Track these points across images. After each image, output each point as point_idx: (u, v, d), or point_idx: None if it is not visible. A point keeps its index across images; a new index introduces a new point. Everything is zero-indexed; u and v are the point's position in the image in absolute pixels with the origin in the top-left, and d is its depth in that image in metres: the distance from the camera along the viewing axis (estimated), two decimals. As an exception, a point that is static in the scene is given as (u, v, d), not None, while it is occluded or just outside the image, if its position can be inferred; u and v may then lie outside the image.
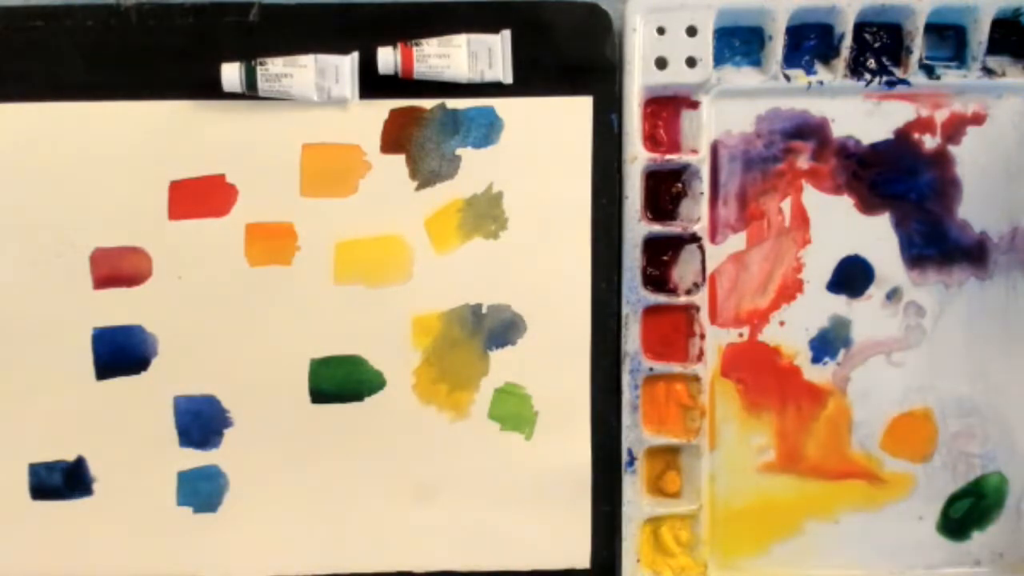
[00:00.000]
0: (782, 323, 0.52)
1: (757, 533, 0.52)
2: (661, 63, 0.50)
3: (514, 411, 0.51)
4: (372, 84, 0.49)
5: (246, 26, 0.49)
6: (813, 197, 0.51)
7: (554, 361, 0.51)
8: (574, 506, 0.51)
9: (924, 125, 0.51)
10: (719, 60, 0.50)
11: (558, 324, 0.51)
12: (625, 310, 0.51)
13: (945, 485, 0.53)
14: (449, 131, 0.50)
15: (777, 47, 0.50)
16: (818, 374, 0.52)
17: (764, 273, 0.52)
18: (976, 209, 0.52)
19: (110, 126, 0.49)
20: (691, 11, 0.49)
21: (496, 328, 0.51)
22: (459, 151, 0.50)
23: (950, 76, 0.51)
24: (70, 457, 0.50)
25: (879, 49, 0.51)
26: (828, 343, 0.52)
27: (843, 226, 0.51)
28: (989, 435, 0.52)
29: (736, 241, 0.52)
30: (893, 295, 0.52)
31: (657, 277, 0.51)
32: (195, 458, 0.50)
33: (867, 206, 0.52)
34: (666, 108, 0.51)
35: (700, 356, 0.51)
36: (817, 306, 0.52)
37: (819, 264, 0.52)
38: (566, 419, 0.51)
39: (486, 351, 0.51)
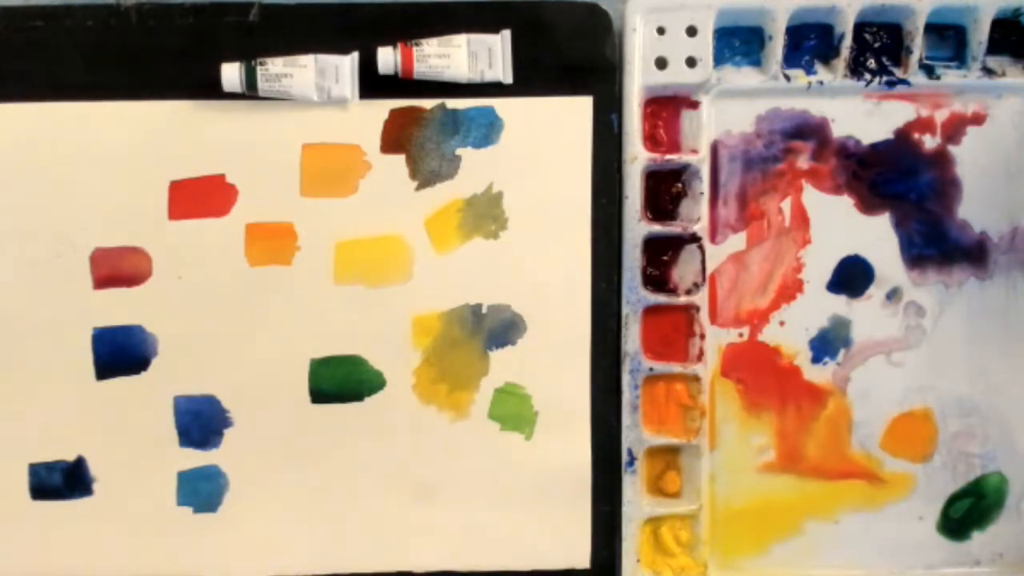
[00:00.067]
0: (782, 323, 0.52)
1: (757, 533, 0.52)
2: (661, 63, 0.50)
3: (514, 411, 0.51)
4: (372, 84, 0.49)
5: (246, 26, 0.49)
6: (813, 197, 0.51)
7: (554, 361, 0.51)
8: (574, 506, 0.51)
9: (924, 125, 0.51)
10: (719, 60, 0.50)
11: (558, 324, 0.51)
12: (625, 310, 0.51)
13: (945, 485, 0.53)
14: (449, 131, 0.50)
15: (777, 47, 0.50)
16: (818, 374, 0.52)
17: (764, 273, 0.52)
18: (976, 209, 0.52)
19: (110, 126, 0.49)
20: (691, 11, 0.49)
21: (496, 328, 0.51)
22: (459, 151, 0.50)
23: (950, 76, 0.51)
24: (70, 457, 0.50)
25: (879, 49, 0.51)
26: (828, 343, 0.52)
27: (843, 226, 0.51)
28: (989, 435, 0.52)
29: (736, 241, 0.52)
30: (893, 295, 0.52)
31: (657, 277, 0.51)
32: (195, 458, 0.50)
33: (867, 206, 0.52)
34: (666, 108, 0.51)
35: (700, 356, 0.51)
36: (817, 306, 0.52)
37: (819, 264, 0.52)
38: (566, 419, 0.51)
39: (486, 351, 0.51)
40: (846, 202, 0.51)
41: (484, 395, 0.51)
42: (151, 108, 0.49)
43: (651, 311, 0.51)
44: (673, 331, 0.52)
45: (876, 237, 0.52)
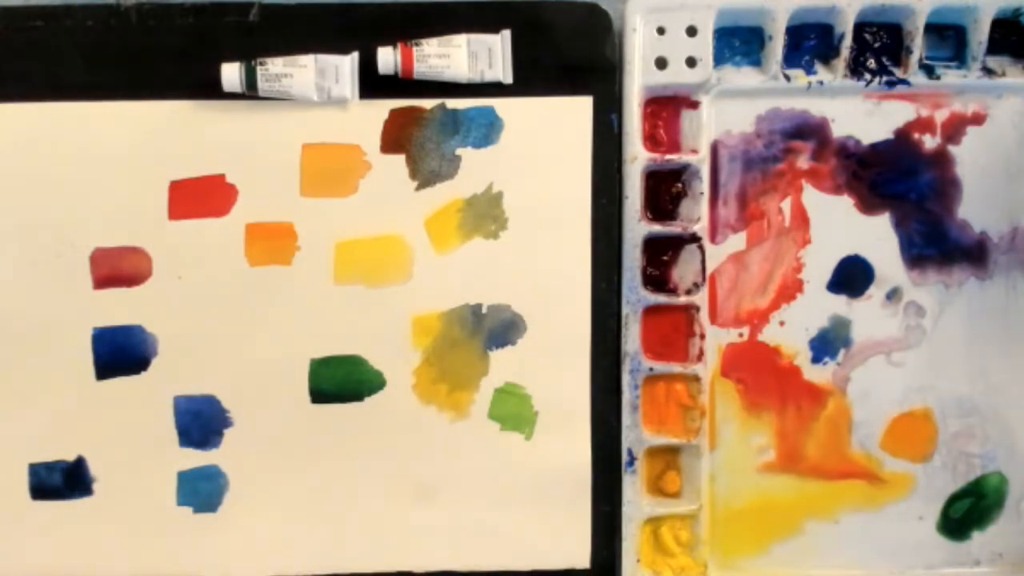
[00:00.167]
0: (782, 323, 0.52)
1: (757, 533, 0.52)
2: (661, 63, 0.50)
3: (514, 411, 0.51)
4: (372, 84, 0.49)
5: (246, 26, 0.49)
6: (813, 197, 0.51)
7: (554, 361, 0.51)
8: (574, 506, 0.51)
9: (924, 125, 0.51)
10: (719, 60, 0.50)
11: (558, 324, 0.51)
12: (625, 310, 0.51)
13: (945, 485, 0.53)
14: (449, 131, 0.50)
15: (777, 47, 0.50)
16: (818, 374, 0.52)
17: (764, 273, 0.52)
18: (976, 209, 0.52)
19: (110, 126, 0.49)
20: (691, 11, 0.49)
21: (496, 328, 0.51)
22: (459, 151, 0.50)
23: (950, 76, 0.51)
24: (70, 457, 0.50)
25: (879, 49, 0.51)
26: (828, 343, 0.52)
27: (843, 226, 0.51)
28: (989, 435, 0.52)
29: (736, 241, 0.52)
30: (893, 295, 0.52)
31: (657, 277, 0.51)
32: (195, 458, 0.50)
33: (867, 206, 0.52)
34: (666, 108, 0.51)
35: (700, 356, 0.51)
36: (817, 306, 0.52)
37: (819, 264, 0.52)
38: (566, 419, 0.51)
39: (486, 351, 0.51)
40: (846, 202, 0.51)
41: (484, 395, 0.51)
42: (151, 108, 0.49)
43: (651, 311, 0.51)
44: (673, 331, 0.52)
45: (876, 237, 0.52)
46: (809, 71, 0.51)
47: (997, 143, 0.51)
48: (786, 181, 0.51)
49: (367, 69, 0.49)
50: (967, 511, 0.53)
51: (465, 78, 0.49)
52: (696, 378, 0.51)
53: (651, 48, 0.49)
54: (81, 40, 0.49)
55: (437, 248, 0.50)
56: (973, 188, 0.52)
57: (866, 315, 0.52)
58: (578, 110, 0.50)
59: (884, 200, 0.52)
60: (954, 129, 0.51)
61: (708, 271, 0.51)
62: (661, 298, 0.51)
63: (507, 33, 0.49)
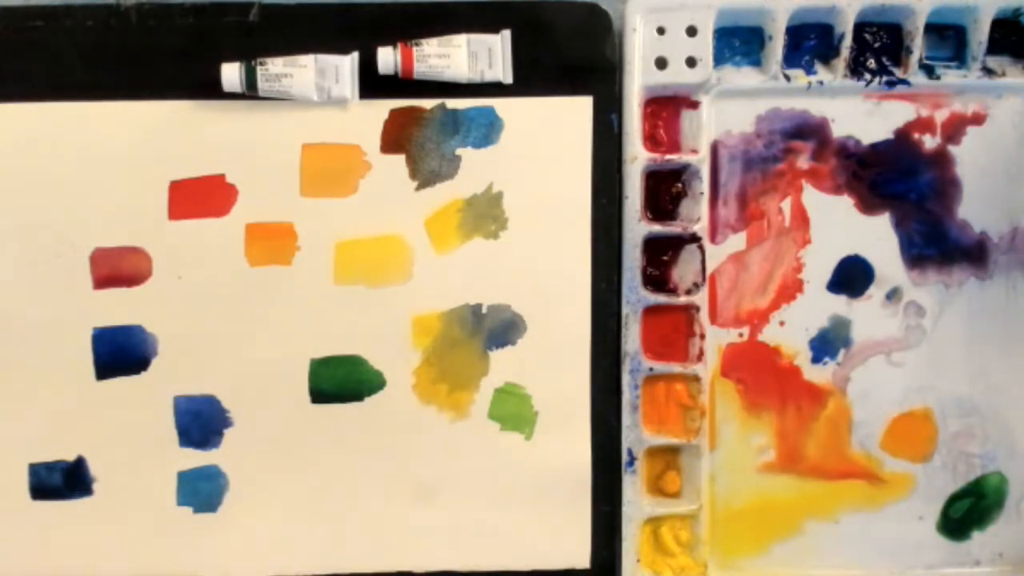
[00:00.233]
0: (782, 323, 0.52)
1: (757, 533, 0.52)
2: (661, 63, 0.50)
3: (514, 411, 0.51)
4: (372, 84, 0.49)
5: (246, 26, 0.49)
6: (813, 197, 0.51)
7: (554, 361, 0.51)
8: (574, 506, 0.51)
9: (924, 125, 0.51)
10: (719, 60, 0.50)
11: (558, 324, 0.51)
12: (625, 310, 0.51)
13: (945, 485, 0.53)
14: (449, 131, 0.50)
15: (777, 47, 0.50)
16: (818, 374, 0.52)
17: (764, 273, 0.52)
18: (976, 209, 0.52)
19: (110, 126, 0.49)
20: (691, 11, 0.49)
21: (496, 328, 0.51)
22: (459, 151, 0.50)
23: (950, 76, 0.51)
24: (70, 457, 0.50)
25: (879, 49, 0.51)
26: (828, 343, 0.52)
27: (843, 226, 0.51)
28: (989, 435, 0.52)
29: (736, 241, 0.52)
30: (893, 295, 0.52)
31: (657, 277, 0.51)
32: (195, 458, 0.50)
33: (867, 206, 0.52)
34: (666, 108, 0.51)
35: (700, 356, 0.51)
36: (817, 306, 0.52)
37: (819, 264, 0.52)
38: (566, 419, 0.51)
39: (486, 351, 0.51)
40: (846, 202, 0.51)
41: (484, 395, 0.51)
42: (151, 108, 0.49)
43: (651, 311, 0.51)
44: (673, 331, 0.52)
45: (876, 237, 0.52)
46: (809, 71, 0.51)
47: (997, 143, 0.51)
48: (786, 181, 0.51)
49: (367, 69, 0.49)
50: (967, 511, 0.53)
51: (465, 78, 0.49)
52: (696, 378, 0.51)
53: (651, 48, 0.49)
54: (81, 40, 0.49)
55: (437, 248, 0.50)
56: (973, 188, 0.52)
57: (866, 315, 0.52)
58: (578, 110, 0.50)
59: (884, 200, 0.52)
60: (954, 129, 0.51)
61: (708, 271, 0.51)
62: (661, 298, 0.51)
63: (507, 33, 0.49)
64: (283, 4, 0.49)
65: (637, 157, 0.50)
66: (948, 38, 0.51)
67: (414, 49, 0.48)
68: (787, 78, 0.50)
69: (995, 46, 0.50)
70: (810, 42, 0.51)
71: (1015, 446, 0.53)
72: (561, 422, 0.51)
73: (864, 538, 0.52)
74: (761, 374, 0.52)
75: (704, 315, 0.51)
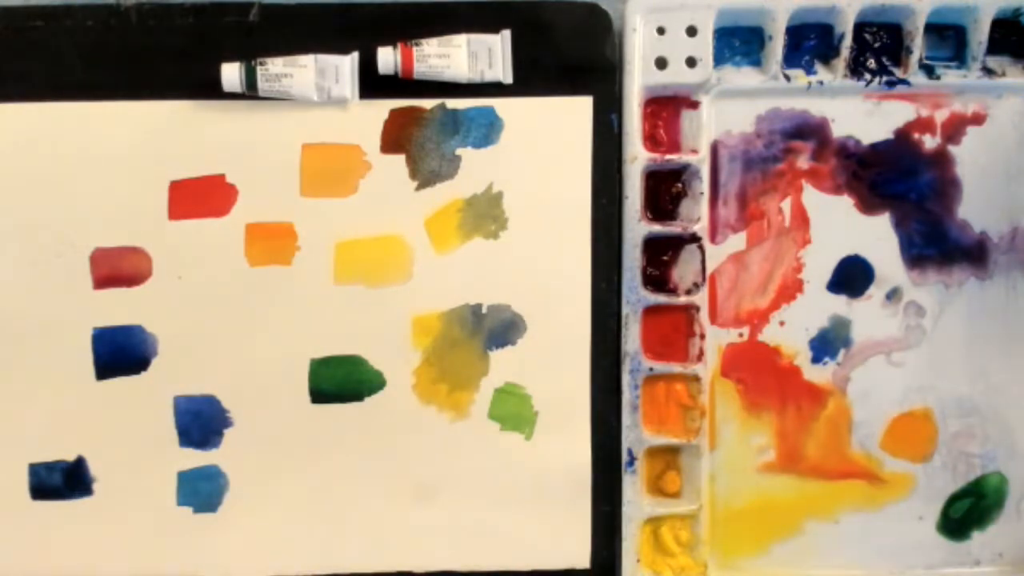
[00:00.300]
0: (782, 323, 0.52)
1: (757, 533, 0.52)
2: (661, 63, 0.50)
3: (514, 411, 0.51)
4: (372, 84, 0.49)
5: (246, 26, 0.49)
6: (813, 197, 0.51)
7: (554, 361, 0.51)
8: (574, 506, 0.51)
9: (924, 125, 0.51)
10: (719, 60, 0.50)
11: (558, 324, 0.51)
12: (625, 310, 0.51)
13: (945, 485, 0.53)
14: (449, 131, 0.50)
15: (777, 47, 0.50)
16: (818, 374, 0.52)
17: (764, 273, 0.52)
18: (976, 209, 0.52)
19: (110, 126, 0.49)
20: (691, 11, 0.49)
21: (496, 328, 0.51)
22: (459, 151, 0.50)
23: (950, 76, 0.51)
24: (70, 457, 0.50)
25: (879, 49, 0.51)
26: (828, 343, 0.52)
27: (843, 226, 0.51)
28: (989, 435, 0.52)
29: (736, 241, 0.52)
30: (893, 295, 0.52)
31: (657, 277, 0.51)
32: (195, 458, 0.50)
33: (867, 206, 0.52)
34: (666, 108, 0.51)
35: (700, 356, 0.51)
36: (817, 306, 0.52)
37: (819, 264, 0.52)
38: (566, 419, 0.51)
39: (486, 351, 0.51)
40: (846, 202, 0.51)
41: (484, 395, 0.51)
42: (151, 108, 0.49)
43: (651, 311, 0.51)
44: (673, 331, 0.52)
45: (876, 237, 0.52)
46: (809, 71, 0.51)
47: (997, 143, 0.51)
48: (786, 181, 0.51)
49: (367, 69, 0.49)
50: (967, 511, 0.53)
51: (465, 78, 0.49)
52: (696, 378, 0.51)
53: (651, 48, 0.49)
54: (81, 40, 0.49)
55: (437, 248, 0.50)
56: (973, 188, 0.52)
57: (866, 315, 0.52)
58: (578, 110, 0.50)
59: (884, 200, 0.52)
60: (954, 129, 0.51)
61: (708, 271, 0.51)
62: (661, 298, 0.51)
63: (507, 33, 0.49)
64: (283, 4, 0.49)
65: (637, 157, 0.50)
66: (948, 38, 0.51)
67: (414, 49, 0.48)
68: (787, 78, 0.50)
69: (995, 46, 0.50)
70: (810, 42, 0.51)
71: (1015, 446, 0.53)
72: (561, 422, 0.51)
73: (864, 538, 0.52)
74: (761, 374, 0.52)
75: (704, 315, 0.51)
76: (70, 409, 0.50)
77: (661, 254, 0.51)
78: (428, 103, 0.50)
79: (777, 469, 0.52)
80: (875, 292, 0.52)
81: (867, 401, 0.52)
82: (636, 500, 0.51)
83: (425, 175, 0.50)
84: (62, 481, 0.50)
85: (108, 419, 0.50)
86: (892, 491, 0.52)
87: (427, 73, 0.48)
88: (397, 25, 0.49)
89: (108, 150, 0.49)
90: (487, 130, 0.50)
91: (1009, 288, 0.52)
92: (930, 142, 0.51)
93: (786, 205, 0.52)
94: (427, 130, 0.50)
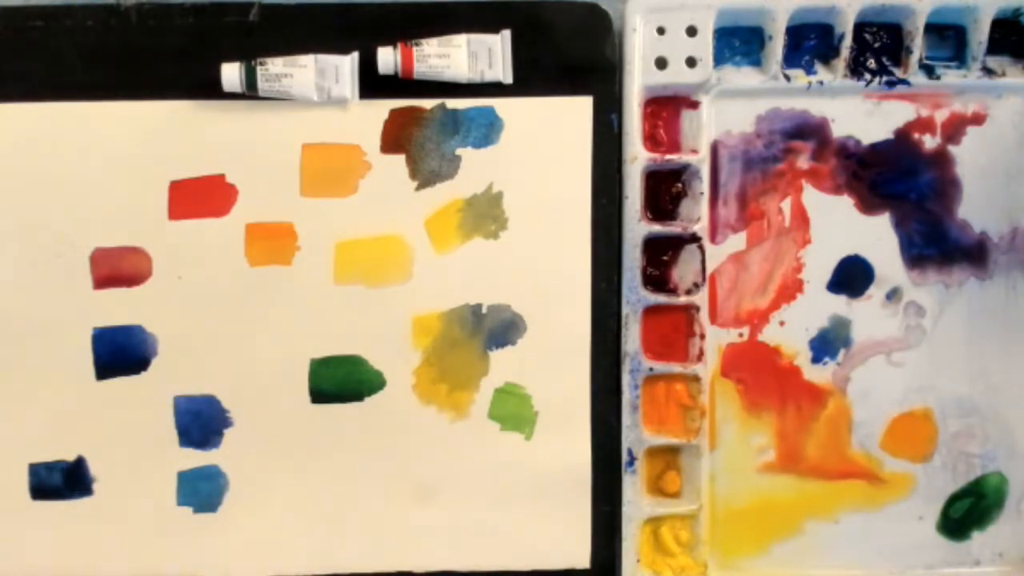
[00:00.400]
0: (782, 323, 0.52)
1: (757, 533, 0.52)
2: (661, 63, 0.50)
3: (514, 411, 0.51)
4: (372, 84, 0.49)
5: (246, 26, 0.49)
6: (813, 197, 0.51)
7: (554, 361, 0.51)
8: (574, 506, 0.51)
9: (924, 125, 0.51)
10: (719, 60, 0.50)
11: (558, 324, 0.51)
12: (625, 310, 0.51)
13: (945, 485, 0.53)
14: (449, 131, 0.50)
15: (777, 47, 0.50)
16: (818, 374, 0.52)
17: (764, 273, 0.52)
18: (976, 209, 0.52)
19: (110, 126, 0.49)
20: (691, 11, 0.49)
21: (496, 328, 0.51)
22: (459, 151, 0.50)
23: (950, 76, 0.51)
24: (70, 457, 0.50)
25: (879, 49, 0.51)
26: (828, 343, 0.52)
27: (843, 226, 0.51)
28: (989, 435, 0.52)
29: (736, 241, 0.52)
30: (893, 295, 0.52)
31: (657, 277, 0.51)
32: (195, 458, 0.50)
33: (867, 206, 0.52)
34: (666, 108, 0.51)
35: (700, 356, 0.51)
36: (817, 306, 0.52)
37: (819, 264, 0.52)
38: (566, 419, 0.51)
39: (486, 351, 0.51)
40: (846, 202, 0.51)
41: (484, 395, 0.51)
42: (151, 108, 0.49)
43: (651, 311, 0.51)
44: (673, 331, 0.52)
45: (876, 237, 0.52)
46: (809, 71, 0.51)
47: (997, 143, 0.51)
48: (786, 181, 0.51)
49: (367, 69, 0.49)
50: (967, 511, 0.53)
51: (465, 78, 0.49)
52: (696, 378, 0.51)
53: (651, 48, 0.49)
54: (81, 40, 0.49)
55: (437, 248, 0.50)
56: (973, 188, 0.52)
57: (866, 315, 0.52)
58: (578, 110, 0.50)
59: (884, 200, 0.52)
60: (954, 129, 0.51)
61: (708, 271, 0.51)
62: (661, 298, 0.51)
63: (507, 33, 0.49)
64: (283, 4, 0.49)
65: (637, 157, 0.50)
66: (948, 38, 0.51)
67: (414, 49, 0.48)
68: (787, 78, 0.50)
69: (995, 46, 0.50)
70: (810, 42, 0.51)
71: (1015, 446, 0.53)
72: (561, 422, 0.51)
73: (864, 538, 0.52)
74: (761, 374, 0.52)
75: (704, 315, 0.51)
76: (70, 409, 0.50)
77: (661, 254, 0.51)
78: (428, 103, 0.50)
79: (777, 469, 0.52)
80: (875, 292, 0.52)
81: (867, 401, 0.52)
82: (636, 500, 0.51)
83: (425, 175, 0.50)
84: (62, 481, 0.50)
85: (108, 419, 0.50)
86: (892, 491, 0.52)
87: (427, 73, 0.48)
88: (397, 25, 0.49)
89: (108, 150, 0.49)
90: (487, 130, 0.50)
91: (1009, 288, 0.52)
92: (930, 142, 0.51)
93: (786, 205, 0.52)
94: (427, 130, 0.50)
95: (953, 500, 0.53)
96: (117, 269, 0.50)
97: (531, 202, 0.50)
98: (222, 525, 0.51)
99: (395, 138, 0.50)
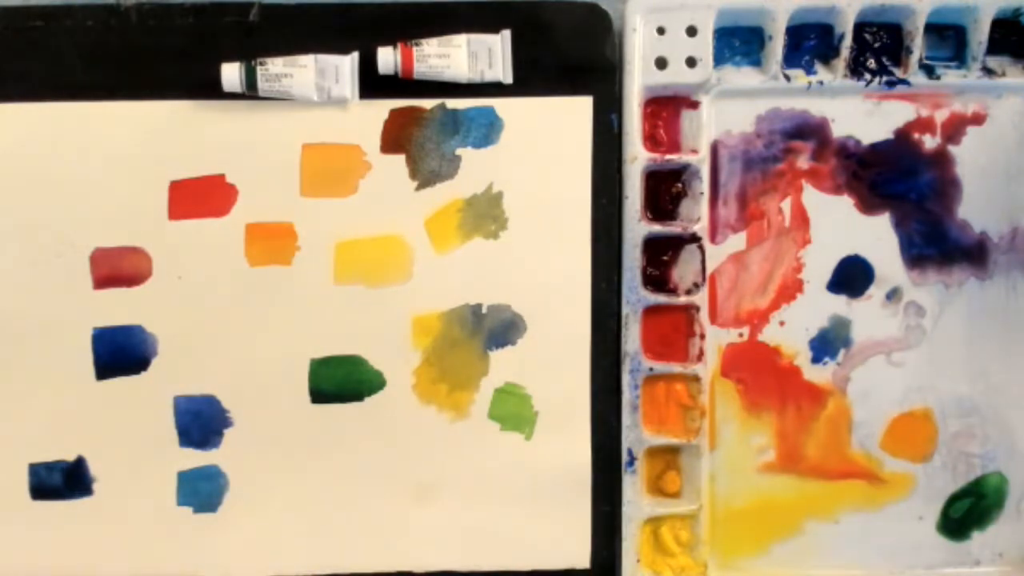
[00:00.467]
0: (782, 323, 0.52)
1: (757, 533, 0.52)
2: (661, 63, 0.50)
3: (514, 411, 0.51)
4: (372, 84, 0.49)
5: (246, 26, 0.49)
6: (813, 197, 0.51)
7: (554, 361, 0.51)
8: (574, 506, 0.51)
9: (924, 125, 0.51)
10: (719, 60, 0.50)
11: (558, 324, 0.51)
12: (625, 310, 0.51)
13: (945, 485, 0.53)
14: (449, 131, 0.50)
15: (777, 47, 0.50)
16: (818, 374, 0.52)
17: (764, 273, 0.52)
18: (976, 209, 0.52)
19: (110, 126, 0.49)
20: (691, 11, 0.49)
21: (496, 328, 0.51)
22: (459, 151, 0.50)
23: (950, 76, 0.51)
24: (70, 457, 0.50)
25: (879, 49, 0.51)
26: (828, 343, 0.52)
27: (843, 226, 0.51)
28: (989, 435, 0.52)
29: (736, 241, 0.52)
30: (893, 295, 0.52)
31: (657, 277, 0.51)
32: (195, 458, 0.50)
33: (867, 206, 0.52)
34: (666, 108, 0.51)
35: (700, 356, 0.51)
36: (817, 306, 0.52)
37: (819, 264, 0.52)
38: (566, 419, 0.51)
39: (486, 351, 0.51)
40: (846, 202, 0.51)
41: (484, 395, 0.51)
42: (151, 108, 0.49)
43: (651, 311, 0.51)
44: (673, 331, 0.52)
45: (876, 237, 0.52)
46: (809, 71, 0.51)
47: (997, 143, 0.51)
48: (786, 181, 0.51)
49: (367, 69, 0.49)
50: (967, 511, 0.53)
51: (465, 78, 0.49)
52: (696, 378, 0.51)
53: (651, 48, 0.49)
54: (81, 40, 0.49)
55: (437, 248, 0.50)
56: (973, 188, 0.52)
57: (866, 315, 0.52)
58: (578, 110, 0.50)
59: (884, 200, 0.52)
60: (954, 129, 0.51)
61: (708, 271, 0.51)
62: (661, 298, 0.51)
63: (507, 33, 0.49)
64: (283, 4, 0.49)
65: (637, 157, 0.50)
66: (948, 38, 0.51)
67: (414, 49, 0.48)
68: (787, 78, 0.50)
69: (995, 46, 0.50)
70: (810, 42, 0.51)
71: (1015, 446, 0.53)
72: (561, 422, 0.51)
73: (864, 538, 0.52)
74: (761, 374, 0.52)
75: (704, 315, 0.51)
76: (70, 409, 0.50)
77: (661, 254, 0.51)
78: (428, 103, 0.50)
79: (777, 469, 0.52)
80: (875, 292, 0.52)
81: (867, 401, 0.52)
82: (636, 500, 0.51)
83: (425, 175, 0.50)
84: (62, 481, 0.50)
85: (108, 419, 0.50)
86: (892, 491, 0.52)
87: (427, 73, 0.48)
88: (397, 25, 0.49)
89: (108, 150, 0.49)
90: (487, 130, 0.50)
91: (1009, 288, 0.52)
92: (930, 142, 0.51)
93: (786, 205, 0.52)
94: (427, 130, 0.50)
95: (953, 500, 0.53)
96: (117, 269, 0.50)
97: (531, 202, 0.50)
98: (222, 525, 0.51)
99: (395, 138, 0.50)
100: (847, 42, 0.49)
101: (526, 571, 0.51)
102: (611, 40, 0.50)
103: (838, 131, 0.51)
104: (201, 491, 0.51)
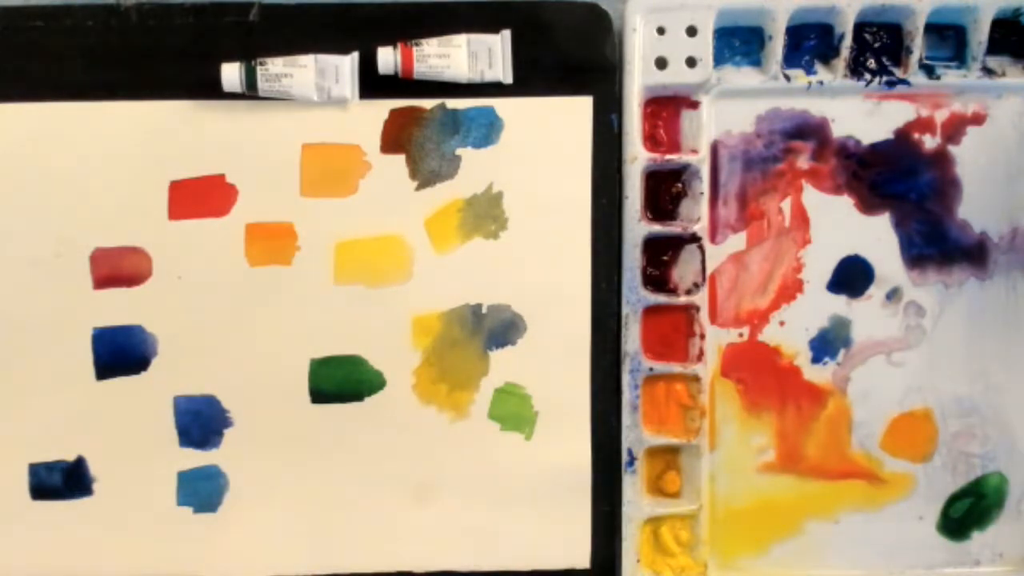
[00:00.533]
0: (782, 323, 0.52)
1: (757, 533, 0.52)
2: (661, 63, 0.50)
3: (514, 411, 0.51)
4: (372, 84, 0.49)
5: (246, 26, 0.49)
6: (813, 197, 0.51)
7: (554, 361, 0.51)
8: (574, 506, 0.51)
9: (924, 125, 0.51)
10: (719, 60, 0.50)
11: (558, 324, 0.51)
12: (625, 310, 0.51)
13: (945, 485, 0.53)
14: (449, 131, 0.50)
15: (777, 47, 0.50)
16: (818, 374, 0.52)
17: (764, 273, 0.52)
18: (976, 209, 0.52)
19: (110, 126, 0.49)
20: (691, 11, 0.49)
21: (496, 328, 0.51)
22: (459, 151, 0.50)
23: (950, 76, 0.51)
24: (70, 457, 0.50)
25: (879, 49, 0.51)
26: (828, 343, 0.52)
27: (843, 226, 0.51)
28: (989, 435, 0.52)
29: (736, 241, 0.52)
30: (893, 295, 0.52)
31: (657, 277, 0.51)
32: (195, 458, 0.50)
33: (867, 206, 0.52)
34: (666, 108, 0.51)
35: (700, 356, 0.51)
36: (817, 306, 0.52)
37: (819, 264, 0.52)
38: (566, 419, 0.51)
39: (486, 351, 0.51)
40: (846, 202, 0.51)
41: (484, 395, 0.51)
42: (151, 108, 0.49)
43: (651, 311, 0.51)
44: (673, 331, 0.52)
45: (876, 237, 0.52)
46: (809, 71, 0.51)
47: (997, 143, 0.51)
48: (786, 181, 0.51)
49: (367, 69, 0.49)
50: (967, 511, 0.53)
51: (465, 78, 0.49)
52: (696, 378, 0.51)
53: (651, 48, 0.49)
54: (81, 40, 0.49)
55: (437, 248, 0.50)
56: (973, 188, 0.52)
57: (866, 315, 0.52)
58: (578, 110, 0.50)
59: (884, 200, 0.52)
60: (954, 129, 0.51)
61: (708, 271, 0.51)
62: (661, 298, 0.51)
63: (507, 33, 0.49)
64: (283, 4, 0.49)
65: (637, 157, 0.50)
66: (948, 38, 0.51)
67: (414, 49, 0.48)
68: (787, 78, 0.50)
69: (995, 46, 0.50)
70: (810, 42, 0.51)
71: (1015, 446, 0.53)
72: (561, 422, 0.51)
73: (864, 538, 0.52)
74: (761, 374, 0.52)
75: (704, 315, 0.51)
76: (70, 409, 0.50)
77: (661, 254, 0.51)
78: (428, 103, 0.50)
79: (777, 469, 0.52)
80: (875, 292, 0.52)
81: (867, 401, 0.52)
82: (636, 500, 0.51)
83: (425, 175, 0.50)
84: (62, 481, 0.50)
85: (108, 419, 0.50)
86: (892, 491, 0.52)
87: (427, 73, 0.48)
88: (397, 25, 0.49)
89: (108, 150, 0.49)
90: (487, 130, 0.50)
91: (1009, 288, 0.52)
92: (930, 142, 0.51)
93: (786, 205, 0.52)
94: (427, 130, 0.50)
95: (953, 500, 0.53)
96: (117, 269, 0.50)
97: (531, 202, 0.50)
98: (222, 525, 0.51)
99: (395, 138, 0.50)
100: (847, 42, 0.49)
101: (526, 571, 0.51)
102: (611, 40, 0.50)
103: (838, 131, 0.51)
104: (201, 491, 0.51)
